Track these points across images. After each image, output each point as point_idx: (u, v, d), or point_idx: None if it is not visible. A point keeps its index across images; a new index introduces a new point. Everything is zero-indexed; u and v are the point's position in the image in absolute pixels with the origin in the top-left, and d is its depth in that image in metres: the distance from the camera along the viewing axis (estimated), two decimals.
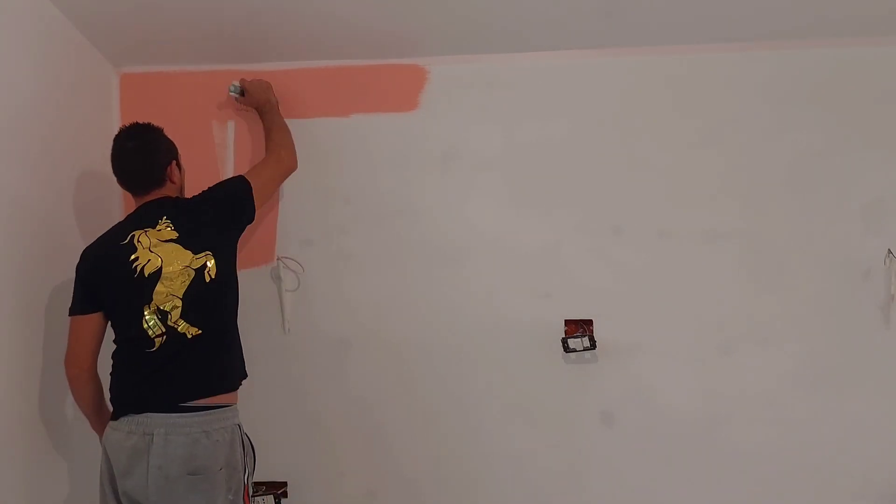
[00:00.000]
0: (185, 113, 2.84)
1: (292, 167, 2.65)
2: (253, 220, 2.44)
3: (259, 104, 2.73)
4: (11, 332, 2.23)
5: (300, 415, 2.81)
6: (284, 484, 2.78)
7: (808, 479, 2.69)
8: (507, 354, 2.77)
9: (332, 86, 2.84)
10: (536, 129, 2.79)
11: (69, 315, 2.24)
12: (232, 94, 2.77)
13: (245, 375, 2.37)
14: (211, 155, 2.85)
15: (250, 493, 2.26)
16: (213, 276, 2.21)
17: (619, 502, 2.75)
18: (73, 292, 2.24)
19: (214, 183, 2.45)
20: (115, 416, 2.19)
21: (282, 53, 2.80)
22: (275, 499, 2.73)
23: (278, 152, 2.62)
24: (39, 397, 2.33)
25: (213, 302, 2.23)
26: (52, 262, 2.41)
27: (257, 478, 2.74)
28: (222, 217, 2.33)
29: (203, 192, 2.39)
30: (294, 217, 2.83)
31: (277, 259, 2.80)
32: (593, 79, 2.79)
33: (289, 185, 2.82)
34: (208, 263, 2.21)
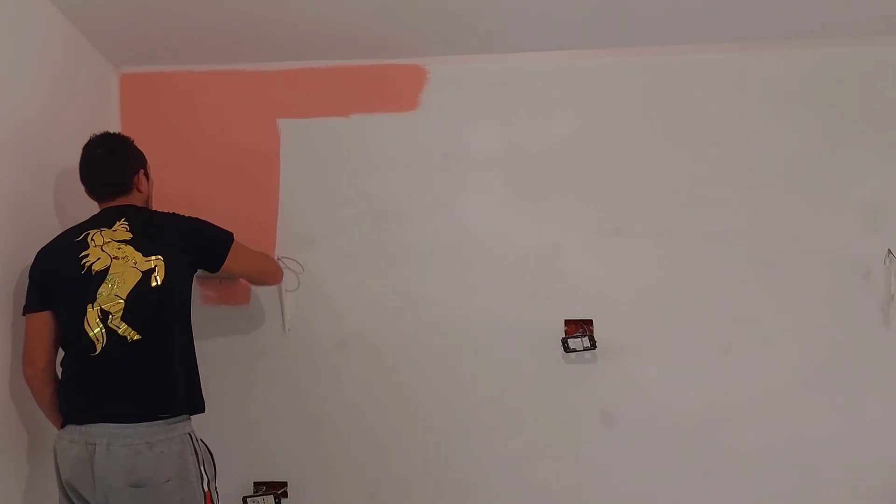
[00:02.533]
0: (184, 113, 2.85)
1: (277, 277, 2.63)
2: (215, 271, 2.36)
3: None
4: (13, 332, 2.23)
5: (300, 415, 2.80)
6: (284, 484, 2.78)
7: (808, 478, 2.69)
8: (508, 354, 2.77)
9: (332, 86, 2.84)
10: (536, 128, 2.79)
11: (22, 314, 2.21)
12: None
13: (200, 405, 2.25)
14: (211, 155, 2.85)
15: (214, 500, 2.19)
16: (159, 282, 2.14)
17: (619, 502, 2.75)
18: (27, 291, 2.20)
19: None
20: (61, 425, 2.15)
21: (282, 53, 2.80)
22: (275, 499, 2.73)
23: (271, 261, 2.63)
24: (27, 399, 2.32)
25: (156, 306, 2.14)
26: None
27: (258, 478, 2.76)
28: (187, 242, 2.26)
29: (186, 217, 2.33)
30: (294, 217, 2.83)
31: (277, 259, 2.80)
32: (593, 79, 2.79)
33: (289, 186, 2.83)
34: (157, 267, 2.15)
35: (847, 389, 2.68)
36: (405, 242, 2.81)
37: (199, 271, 2.41)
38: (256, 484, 2.76)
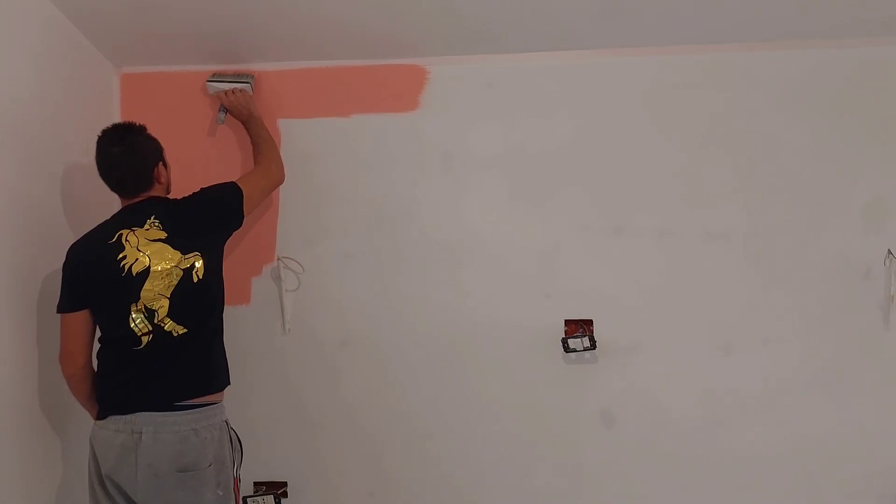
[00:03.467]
0: (184, 113, 2.84)
1: (280, 180, 2.67)
2: (240, 226, 2.44)
3: (244, 119, 2.73)
4: (12, 330, 2.24)
5: (300, 414, 2.81)
6: (284, 484, 2.78)
7: (808, 478, 2.69)
8: (508, 354, 2.77)
9: (332, 86, 2.84)
10: (536, 129, 2.79)
11: (57, 312, 2.24)
12: (220, 122, 2.78)
13: (227, 379, 2.36)
14: (211, 155, 2.85)
15: (240, 485, 2.30)
16: (200, 277, 2.22)
17: (619, 502, 2.75)
18: (61, 290, 2.24)
19: (206, 185, 2.44)
20: (102, 416, 2.19)
21: (282, 53, 2.80)
22: (275, 499, 2.73)
23: (268, 165, 2.63)
24: (37, 391, 2.33)
25: (200, 302, 2.24)
26: (53, 261, 2.41)
27: (258, 478, 2.76)
28: (211, 220, 2.34)
29: (194, 193, 2.39)
30: (294, 217, 2.83)
31: (277, 259, 2.80)
32: (593, 79, 2.79)
33: (289, 186, 2.82)
34: (196, 264, 2.23)
35: (847, 389, 2.68)
36: (405, 242, 2.81)
37: (221, 117, 2.73)
38: (256, 484, 2.77)
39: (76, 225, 2.56)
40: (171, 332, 2.18)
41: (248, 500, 2.71)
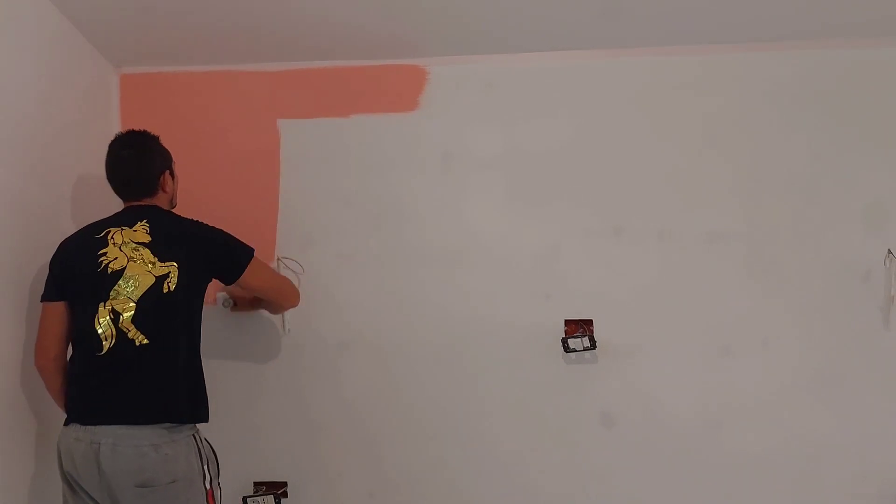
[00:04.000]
0: (184, 113, 2.84)
1: (294, 302, 2.58)
2: (230, 283, 2.36)
3: (252, 304, 2.70)
4: (13, 333, 2.24)
5: (300, 415, 2.80)
6: (284, 484, 2.78)
7: (808, 479, 2.69)
8: (508, 355, 2.77)
9: (332, 86, 2.84)
10: (536, 129, 2.79)
11: (40, 301, 2.23)
12: (225, 307, 2.74)
13: (203, 414, 2.24)
14: (210, 156, 2.85)
15: (216, 497, 2.21)
16: (171, 289, 2.15)
17: (619, 503, 2.75)
18: (46, 280, 2.23)
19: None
20: (67, 421, 2.16)
21: (282, 53, 2.80)
22: (275, 499, 2.73)
23: (289, 285, 2.58)
24: (41, 395, 2.34)
25: (167, 313, 2.16)
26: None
27: (258, 478, 2.76)
28: (205, 253, 2.27)
29: (208, 226, 2.33)
30: (294, 217, 2.83)
31: (277, 259, 2.80)
32: (593, 80, 2.79)
33: (289, 186, 2.83)
34: (171, 274, 2.16)
35: (847, 390, 2.68)
36: (405, 243, 2.81)
37: (225, 306, 2.58)
38: (256, 484, 2.77)
39: (75, 225, 2.56)
40: (133, 339, 2.11)
41: (248, 500, 2.71)
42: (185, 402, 2.18)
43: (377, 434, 2.79)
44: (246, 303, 2.72)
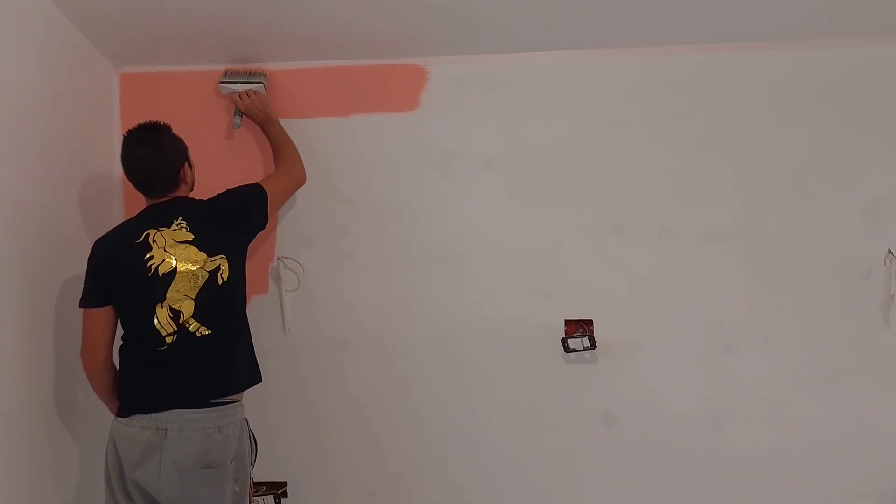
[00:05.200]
0: (184, 113, 2.84)
1: (302, 181, 2.70)
2: (264, 227, 2.49)
3: (261, 122, 2.74)
4: (17, 331, 2.24)
5: (300, 415, 2.80)
6: (284, 484, 2.78)
7: (809, 479, 2.69)
8: (508, 354, 2.77)
9: (332, 86, 2.84)
10: (536, 129, 2.79)
11: (80, 307, 2.27)
12: (237, 127, 2.79)
13: (258, 376, 2.39)
14: (211, 155, 2.84)
15: (252, 485, 2.34)
16: (225, 279, 2.26)
17: (619, 502, 2.75)
18: (84, 284, 2.27)
19: (232, 187, 2.47)
20: (125, 413, 2.21)
21: (282, 53, 2.80)
22: (275, 499, 2.73)
23: (290, 166, 2.65)
24: (50, 391, 2.35)
25: (224, 303, 2.27)
26: (54, 261, 2.42)
27: (257, 478, 2.75)
28: (236, 221, 2.38)
29: (219, 195, 2.43)
30: (294, 217, 2.83)
31: (277, 259, 2.80)
32: (593, 79, 2.79)
33: None
34: (222, 266, 2.26)
35: (847, 389, 2.68)
36: (405, 242, 2.81)
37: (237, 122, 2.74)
38: (256, 484, 2.76)
39: (76, 225, 2.57)
40: (195, 332, 2.21)
41: None
42: (244, 373, 2.33)
43: (377, 433, 2.79)
44: (257, 120, 2.75)
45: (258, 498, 2.72)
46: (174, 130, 2.42)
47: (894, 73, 2.71)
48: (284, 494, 2.76)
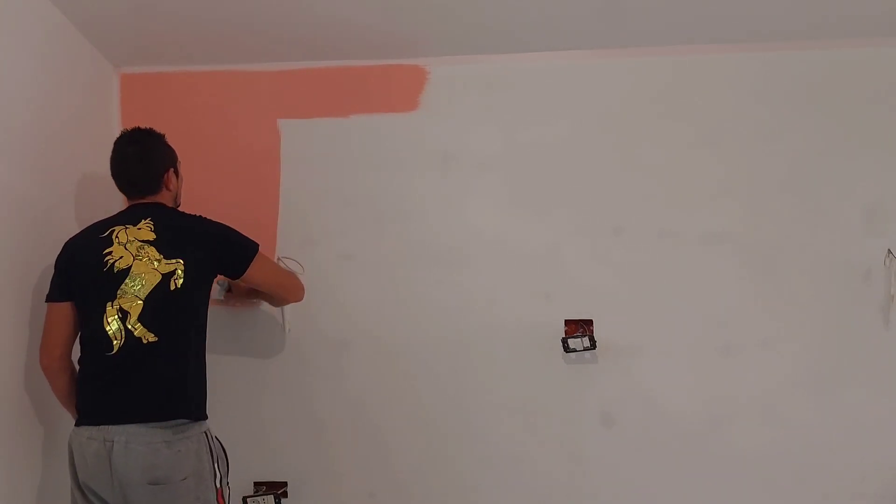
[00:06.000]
0: (184, 113, 2.84)
1: (299, 296, 2.59)
2: (237, 277, 2.37)
3: (248, 294, 2.67)
4: (17, 329, 2.24)
5: (300, 415, 2.80)
6: (284, 484, 2.78)
7: (809, 479, 2.69)
8: (508, 354, 2.77)
9: (332, 86, 2.84)
10: (536, 129, 2.80)
11: (45, 301, 2.24)
12: (219, 297, 2.68)
13: (203, 412, 2.22)
14: (211, 155, 2.85)
15: (225, 496, 2.23)
16: (178, 286, 2.16)
17: (619, 502, 2.75)
18: (51, 280, 2.24)
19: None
20: (78, 422, 2.17)
21: (282, 53, 2.80)
22: (275, 499, 2.73)
23: (292, 279, 2.57)
24: (48, 391, 2.33)
25: (174, 311, 2.17)
26: (51, 260, 2.41)
27: (258, 478, 2.76)
28: (211, 248, 2.26)
29: (209, 220, 2.33)
30: (294, 217, 2.83)
31: (278, 259, 2.79)
32: (593, 79, 2.79)
33: (289, 186, 2.83)
34: (178, 271, 2.17)
35: (847, 390, 2.68)
36: (405, 242, 2.81)
37: (220, 290, 2.53)
38: (256, 484, 2.77)
39: (75, 225, 2.56)
40: (140, 338, 2.12)
41: (248, 500, 2.71)
42: (196, 398, 2.20)
43: (377, 434, 2.79)
44: (242, 291, 2.68)
45: (258, 498, 2.72)
46: (173, 131, 2.41)
47: (894, 74, 2.71)
48: (284, 494, 2.76)
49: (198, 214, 2.33)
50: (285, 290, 2.55)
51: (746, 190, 2.74)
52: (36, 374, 2.28)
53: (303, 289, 2.59)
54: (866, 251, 2.68)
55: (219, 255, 2.29)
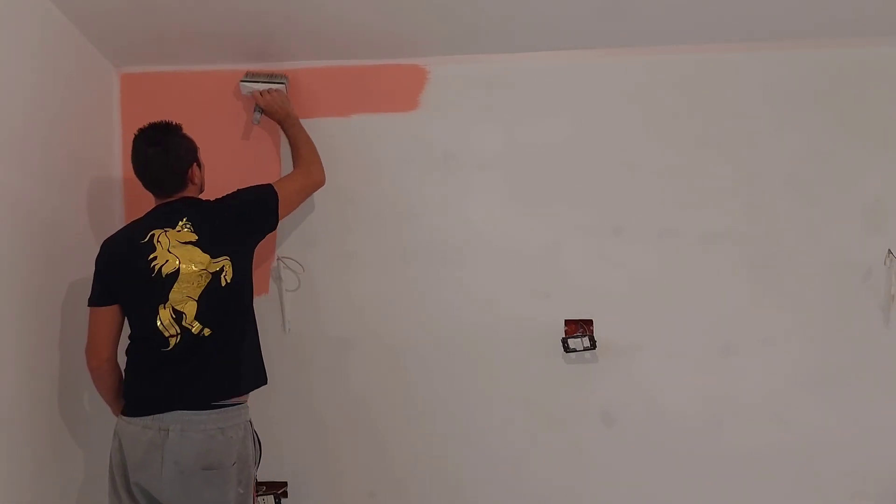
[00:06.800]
0: (185, 113, 2.83)
1: (320, 182, 2.68)
2: (274, 229, 2.49)
3: (280, 118, 2.73)
4: (19, 331, 2.25)
5: (300, 415, 2.81)
6: (284, 484, 2.78)
7: (809, 478, 2.69)
8: (508, 354, 2.77)
9: (332, 86, 2.84)
10: (536, 129, 2.79)
11: (88, 306, 2.28)
12: (256, 122, 2.77)
13: (264, 378, 2.39)
14: (214, 155, 2.84)
15: (256, 484, 2.35)
16: (228, 281, 2.26)
17: (619, 502, 2.75)
18: (92, 283, 2.29)
19: (231, 187, 2.47)
20: (129, 413, 2.22)
21: (282, 53, 2.79)
22: (275, 499, 2.73)
23: (307, 167, 2.64)
24: (54, 393, 2.36)
25: (227, 305, 2.27)
26: (54, 261, 2.42)
27: (258, 478, 2.75)
28: (244, 223, 2.38)
29: (228, 195, 2.42)
30: (295, 217, 2.82)
31: (278, 259, 2.80)
32: (593, 79, 2.79)
33: None
34: (226, 268, 2.26)
35: (847, 389, 2.68)
36: (405, 242, 2.81)
37: (256, 117, 2.72)
38: (257, 484, 2.76)
39: (76, 225, 2.57)
40: (198, 333, 2.21)
41: None
42: (250, 375, 2.33)
43: (378, 434, 2.80)
44: (275, 116, 2.73)
45: (258, 498, 2.72)
46: None
47: (894, 73, 2.71)
48: (285, 494, 2.77)
49: (218, 199, 2.40)
50: (309, 189, 2.65)
51: (747, 189, 2.74)
52: (38, 374, 2.28)
53: (321, 167, 2.67)
54: (866, 251, 2.68)
55: (255, 226, 2.41)
